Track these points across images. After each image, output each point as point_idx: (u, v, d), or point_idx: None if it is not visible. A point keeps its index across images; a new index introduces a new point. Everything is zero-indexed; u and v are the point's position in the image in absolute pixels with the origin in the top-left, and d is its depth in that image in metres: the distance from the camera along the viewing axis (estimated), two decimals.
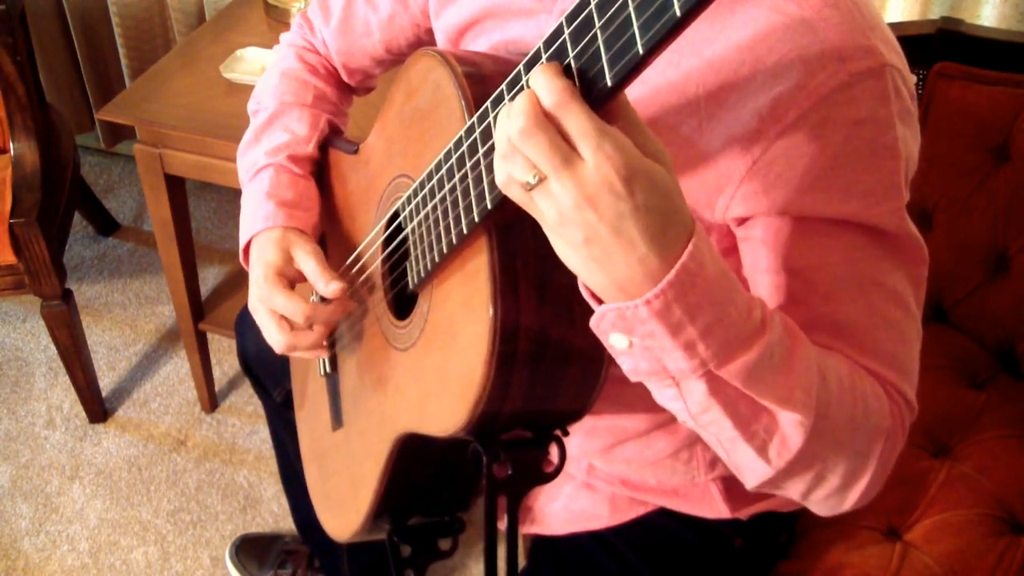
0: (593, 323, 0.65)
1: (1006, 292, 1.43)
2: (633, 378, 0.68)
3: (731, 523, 1.07)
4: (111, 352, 2.30)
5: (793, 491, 0.77)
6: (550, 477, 0.81)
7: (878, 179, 0.76)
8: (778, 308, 0.79)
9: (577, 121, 0.56)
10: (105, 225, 2.61)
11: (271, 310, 1.01)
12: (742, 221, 0.80)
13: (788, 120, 0.73)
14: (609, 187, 0.56)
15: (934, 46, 1.40)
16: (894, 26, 1.50)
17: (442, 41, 1.02)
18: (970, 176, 1.42)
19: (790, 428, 0.70)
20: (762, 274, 0.79)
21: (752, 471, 0.74)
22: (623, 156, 0.56)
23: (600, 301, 0.64)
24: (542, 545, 1.13)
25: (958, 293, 1.48)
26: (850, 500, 0.79)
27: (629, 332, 0.63)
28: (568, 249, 0.61)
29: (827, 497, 0.78)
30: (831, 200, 0.75)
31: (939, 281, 1.50)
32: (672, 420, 0.98)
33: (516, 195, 0.61)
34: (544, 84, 0.56)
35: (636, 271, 0.60)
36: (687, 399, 0.68)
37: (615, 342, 0.65)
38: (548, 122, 0.57)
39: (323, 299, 1.09)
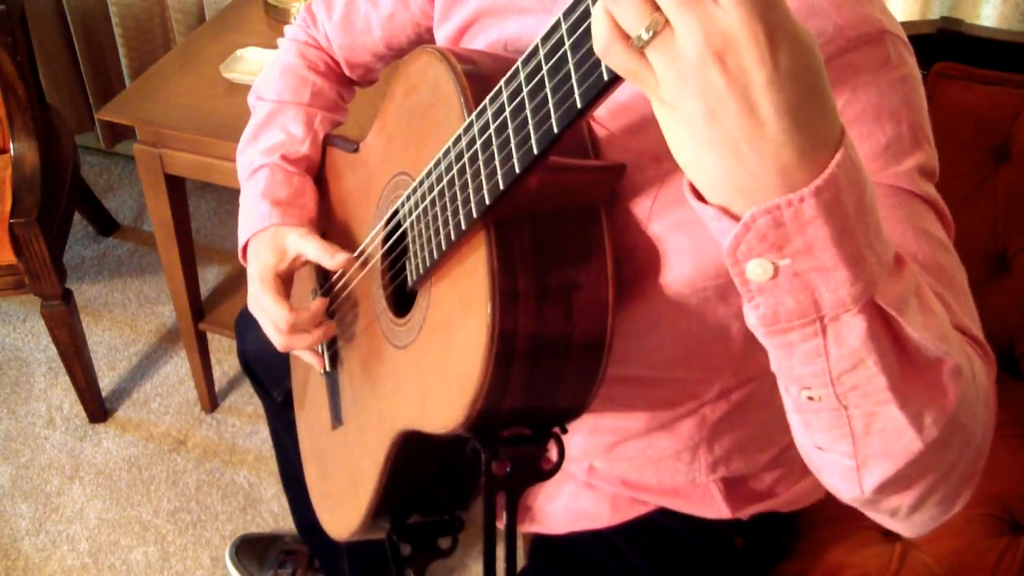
0: (729, 247, 0.51)
1: (1006, 292, 1.42)
2: (765, 330, 0.55)
3: (732, 523, 1.07)
4: (111, 352, 2.30)
5: (914, 492, 0.64)
6: (549, 474, 0.81)
7: (884, 143, 0.72)
8: None
9: None
10: (105, 225, 2.61)
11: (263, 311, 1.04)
12: None
13: None
14: (745, 39, 0.44)
15: (934, 46, 1.40)
16: None
17: (442, 42, 1.02)
18: (970, 176, 1.42)
19: (947, 379, 0.58)
20: None
21: (888, 456, 0.60)
22: (775, 13, 0.45)
23: (734, 217, 0.51)
24: (542, 544, 1.13)
25: None
26: (963, 498, 0.67)
27: (780, 249, 0.50)
28: (685, 132, 0.48)
29: (944, 497, 0.66)
30: None
31: None
32: (672, 420, 0.99)
33: (619, 62, 0.48)
34: None
35: (769, 164, 0.47)
36: (832, 351, 0.55)
37: (754, 273, 0.52)
38: None
39: (326, 294, 1.10)
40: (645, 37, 0.46)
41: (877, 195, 0.67)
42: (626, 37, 0.47)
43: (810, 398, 0.59)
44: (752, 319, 0.55)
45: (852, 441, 0.60)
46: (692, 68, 0.46)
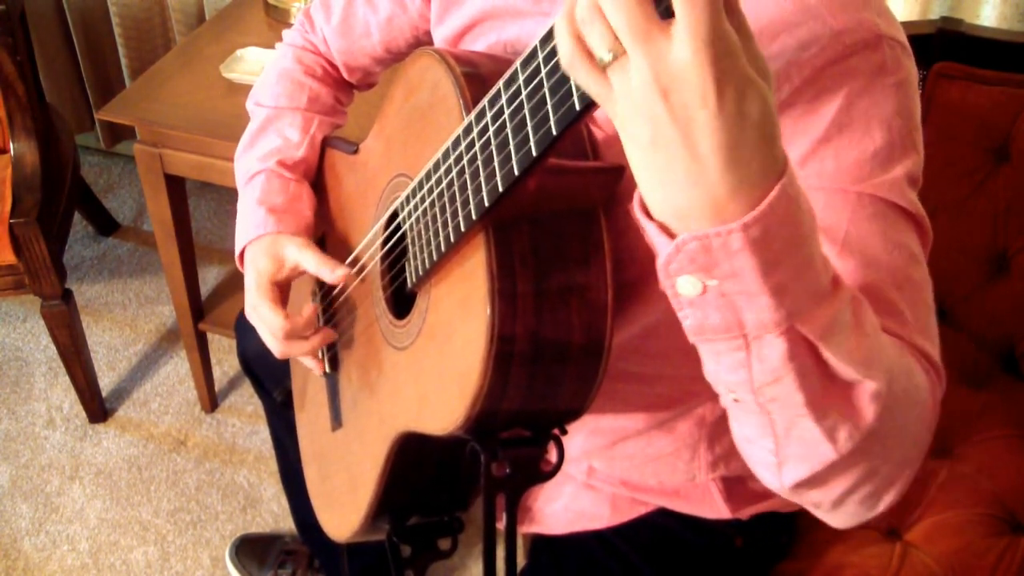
0: (662, 263, 0.55)
1: (1006, 292, 1.42)
2: (694, 337, 0.59)
3: (732, 523, 1.07)
4: (111, 352, 2.30)
5: (834, 490, 0.67)
6: (548, 476, 0.81)
7: (873, 150, 0.73)
8: None
9: (699, 3, 0.46)
10: (105, 225, 2.61)
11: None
12: None
13: (781, 97, 0.73)
14: (691, 81, 0.47)
15: (934, 46, 1.40)
16: None
17: (439, 44, 1.02)
18: (970, 176, 1.42)
19: (864, 401, 0.61)
20: None
21: (806, 460, 0.63)
22: (727, 61, 0.46)
23: (671, 235, 0.54)
24: (542, 544, 1.13)
25: (958, 293, 1.48)
26: (886, 500, 0.70)
27: (708, 271, 0.53)
28: (634, 151, 0.52)
29: (866, 497, 0.69)
30: (823, 171, 0.73)
31: (939, 281, 1.48)
32: (670, 419, 0.99)
33: (581, 77, 0.51)
34: None
35: (702, 196, 0.50)
36: (755, 365, 0.58)
37: (684, 288, 0.55)
38: None
39: (323, 299, 1.10)
40: (607, 59, 0.49)
41: (860, 204, 0.71)
42: (590, 55, 0.50)
43: (736, 400, 0.62)
44: (684, 325, 0.58)
45: (775, 440, 0.63)
46: (640, 97, 0.48)
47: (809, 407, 0.59)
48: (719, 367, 0.60)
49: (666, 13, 0.47)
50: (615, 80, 0.49)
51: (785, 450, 0.64)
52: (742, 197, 0.50)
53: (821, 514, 0.73)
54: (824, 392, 0.60)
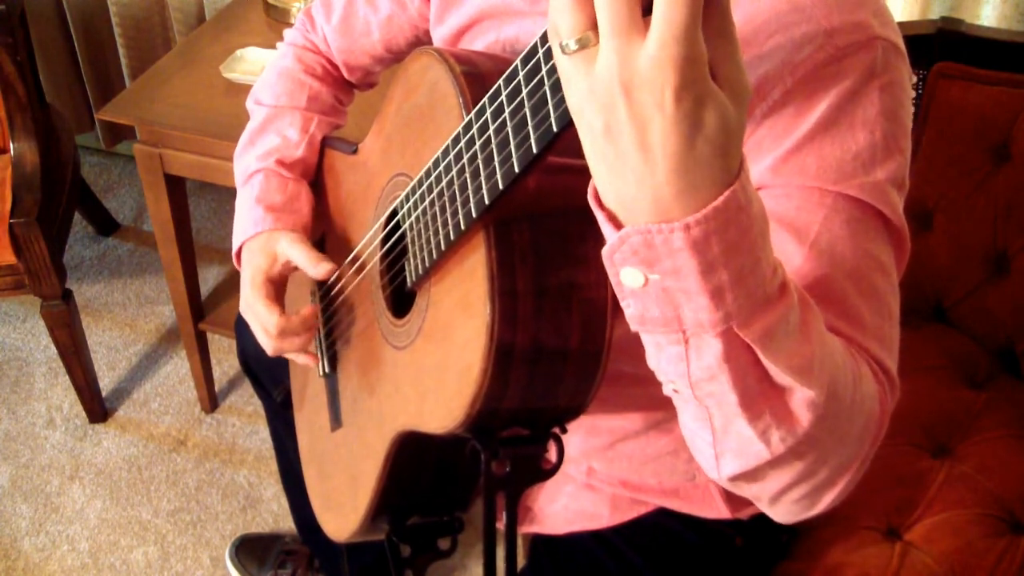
0: (607, 251, 0.55)
1: (1006, 292, 1.42)
2: (635, 326, 0.59)
3: (732, 523, 1.07)
4: (111, 352, 2.30)
5: (770, 487, 0.69)
6: (548, 475, 0.81)
7: (855, 152, 0.73)
8: None
9: (679, 5, 0.46)
10: (105, 225, 2.61)
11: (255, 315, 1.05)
12: None
13: (774, 98, 0.73)
14: (654, 82, 0.47)
15: (934, 46, 1.40)
16: None
17: (438, 44, 1.02)
18: (970, 176, 1.42)
19: (800, 408, 0.62)
20: None
21: (741, 456, 0.65)
22: (691, 70, 0.47)
23: (618, 226, 0.54)
24: (542, 544, 1.13)
25: (958, 293, 1.48)
26: (825, 501, 0.72)
27: (649, 266, 0.54)
28: (587, 138, 0.52)
29: (803, 496, 0.70)
30: (805, 169, 0.73)
31: (939, 281, 1.50)
32: (668, 419, 0.99)
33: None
34: None
35: (647, 194, 0.51)
36: (693, 362, 0.59)
37: (627, 279, 0.55)
38: None
39: (323, 299, 1.10)
40: (573, 48, 0.49)
41: (836, 206, 0.72)
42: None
43: (675, 391, 0.63)
44: (626, 314, 0.59)
45: (712, 433, 0.65)
46: (602, 88, 0.49)
47: (742, 407, 0.61)
48: (660, 357, 0.61)
49: (646, 11, 0.48)
50: (575, 68, 0.50)
51: (722, 444, 0.65)
52: (687, 200, 0.51)
53: (762, 507, 0.75)
54: (759, 394, 0.61)
